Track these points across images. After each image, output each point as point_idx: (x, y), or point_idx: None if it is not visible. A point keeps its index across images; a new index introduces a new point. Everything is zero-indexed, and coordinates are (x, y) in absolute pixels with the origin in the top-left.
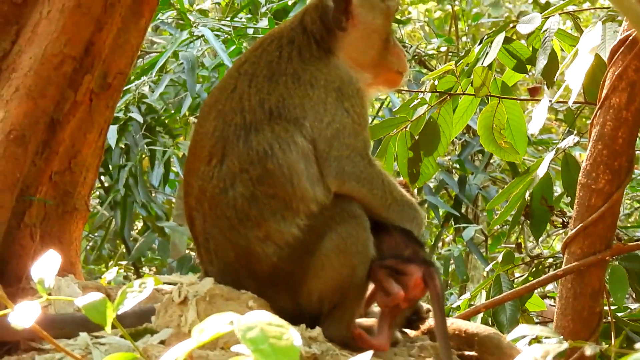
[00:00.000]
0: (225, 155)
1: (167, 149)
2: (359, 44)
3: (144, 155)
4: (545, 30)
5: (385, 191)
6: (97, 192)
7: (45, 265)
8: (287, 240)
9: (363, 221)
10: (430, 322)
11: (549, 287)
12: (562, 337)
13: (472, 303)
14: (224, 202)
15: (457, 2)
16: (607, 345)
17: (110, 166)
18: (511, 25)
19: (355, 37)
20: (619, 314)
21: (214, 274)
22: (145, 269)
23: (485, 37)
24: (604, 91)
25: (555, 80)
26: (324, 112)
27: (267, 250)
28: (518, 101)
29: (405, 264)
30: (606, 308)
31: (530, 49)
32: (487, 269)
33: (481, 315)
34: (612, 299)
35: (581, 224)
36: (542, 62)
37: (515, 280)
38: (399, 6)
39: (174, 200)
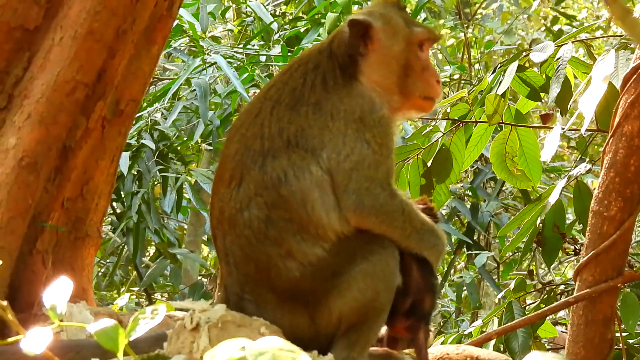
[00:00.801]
0: (243, 178)
1: (179, 176)
2: (379, 69)
3: (156, 182)
4: (559, 58)
5: (405, 222)
6: (110, 219)
7: (57, 292)
8: (310, 259)
9: (393, 251)
10: (442, 349)
11: (561, 314)
12: None
13: (484, 330)
14: (241, 222)
15: (469, 30)
16: None
17: (122, 193)
18: (524, 53)
19: (375, 62)
20: (631, 341)
21: (232, 285)
22: (157, 295)
23: (499, 65)
24: (617, 119)
25: (568, 108)
26: (342, 144)
27: (289, 265)
28: (531, 129)
29: (397, 312)
30: (618, 335)
31: (544, 76)
32: (499, 295)
33: (493, 342)
34: (623, 326)
35: (593, 251)
36: (555, 90)
37: (527, 307)
38: (433, 34)
39: (186, 226)
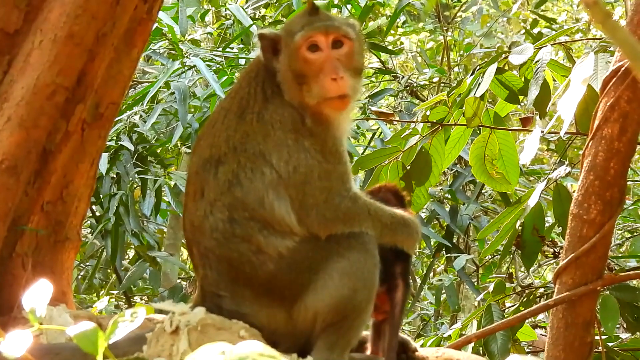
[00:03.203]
0: (203, 189)
1: (158, 178)
2: (285, 81)
3: (135, 185)
4: (538, 61)
5: (374, 221)
6: (89, 222)
7: (36, 295)
8: (281, 252)
9: (372, 249)
10: (421, 352)
11: (540, 316)
12: None
13: (463, 333)
14: (208, 227)
15: (449, 33)
16: None
17: (101, 195)
18: (503, 55)
19: (282, 74)
20: (610, 344)
21: (208, 285)
22: (136, 299)
23: (478, 67)
24: (596, 122)
25: (547, 110)
26: (288, 155)
27: (262, 259)
28: (510, 132)
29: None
30: (597, 338)
31: (523, 79)
32: (479, 298)
33: (472, 345)
34: (603, 329)
35: (572, 254)
36: (534, 92)
37: (507, 310)
38: (318, 30)
39: (165, 229)
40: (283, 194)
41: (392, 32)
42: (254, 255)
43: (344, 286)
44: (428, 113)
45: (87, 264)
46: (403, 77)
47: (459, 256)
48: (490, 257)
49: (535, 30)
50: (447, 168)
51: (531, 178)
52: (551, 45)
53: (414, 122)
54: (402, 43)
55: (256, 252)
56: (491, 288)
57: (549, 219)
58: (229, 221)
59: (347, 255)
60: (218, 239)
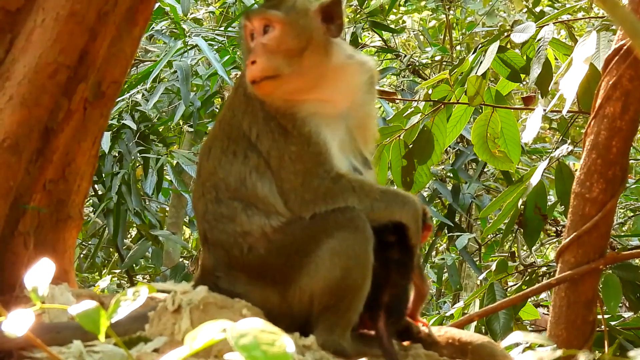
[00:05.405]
0: (200, 172)
1: (160, 157)
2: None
3: (137, 163)
4: (540, 40)
5: (361, 197)
6: (91, 200)
7: (38, 274)
8: (266, 232)
9: (361, 224)
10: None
11: (543, 295)
12: (555, 345)
13: (466, 311)
14: (200, 208)
15: (451, 11)
16: (601, 354)
17: (103, 173)
18: (505, 34)
19: None
20: (613, 323)
21: (206, 265)
22: (138, 277)
23: (480, 46)
24: (598, 100)
25: (549, 89)
26: (257, 136)
27: (249, 241)
28: (512, 110)
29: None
30: (599, 317)
31: (525, 58)
32: (481, 277)
33: (475, 323)
34: (605, 308)
35: (575, 233)
36: (536, 71)
37: (509, 289)
38: (245, 17)
39: (167, 208)
40: (268, 175)
41: (394, 10)
42: (241, 237)
43: (336, 267)
44: (430, 92)
45: (89, 242)
46: (405, 55)
47: (461, 235)
48: (492, 235)
49: (538, 9)
50: (450, 147)
51: (533, 157)
52: (553, 23)
53: (416, 100)
54: (404, 22)
55: (242, 234)
56: (493, 267)
57: (551, 198)
58: (216, 201)
59: (335, 234)
60: (210, 221)
